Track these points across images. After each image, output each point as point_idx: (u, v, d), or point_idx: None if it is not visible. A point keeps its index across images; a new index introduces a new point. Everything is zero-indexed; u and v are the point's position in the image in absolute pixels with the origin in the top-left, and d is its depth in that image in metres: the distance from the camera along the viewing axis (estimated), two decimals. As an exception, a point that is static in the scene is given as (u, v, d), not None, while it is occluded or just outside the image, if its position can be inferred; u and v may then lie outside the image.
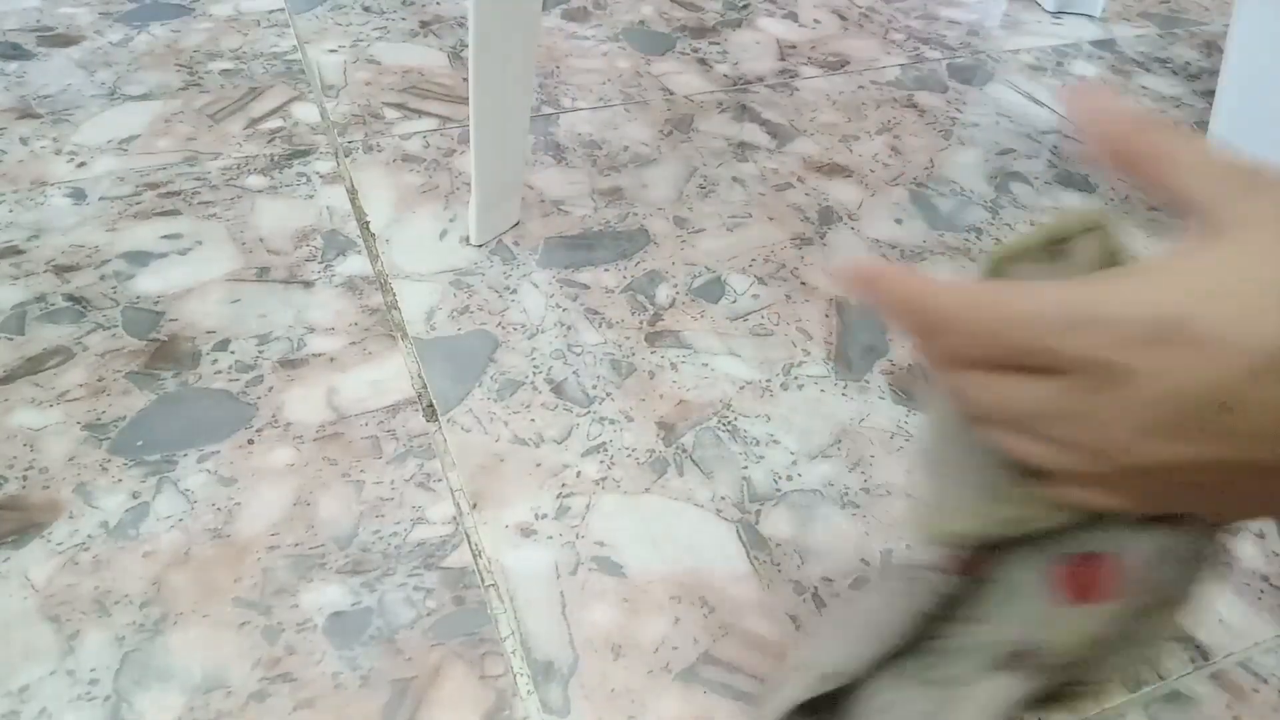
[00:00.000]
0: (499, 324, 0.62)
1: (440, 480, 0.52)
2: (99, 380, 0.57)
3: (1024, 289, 0.26)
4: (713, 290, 0.66)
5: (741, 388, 0.59)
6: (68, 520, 0.49)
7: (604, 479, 0.53)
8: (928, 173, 0.80)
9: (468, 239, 0.69)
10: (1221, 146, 0.27)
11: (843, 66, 0.95)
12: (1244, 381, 0.23)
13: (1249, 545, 0.52)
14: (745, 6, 1.06)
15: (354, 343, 0.60)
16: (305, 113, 0.83)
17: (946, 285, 0.28)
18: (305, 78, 0.88)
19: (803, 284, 0.67)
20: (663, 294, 0.66)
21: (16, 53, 0.90)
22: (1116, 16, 1.13)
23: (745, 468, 0.54)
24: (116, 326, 0.60)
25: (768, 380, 0.59)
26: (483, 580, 0.47)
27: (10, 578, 0.46)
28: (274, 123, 0.82)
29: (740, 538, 0.50)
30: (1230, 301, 0.23)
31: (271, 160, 0.77)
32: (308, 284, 0.65)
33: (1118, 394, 0.24)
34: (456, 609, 0.46)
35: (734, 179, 0.78)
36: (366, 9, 1.01)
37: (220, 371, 0.58)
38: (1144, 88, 0.98)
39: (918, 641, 0.35)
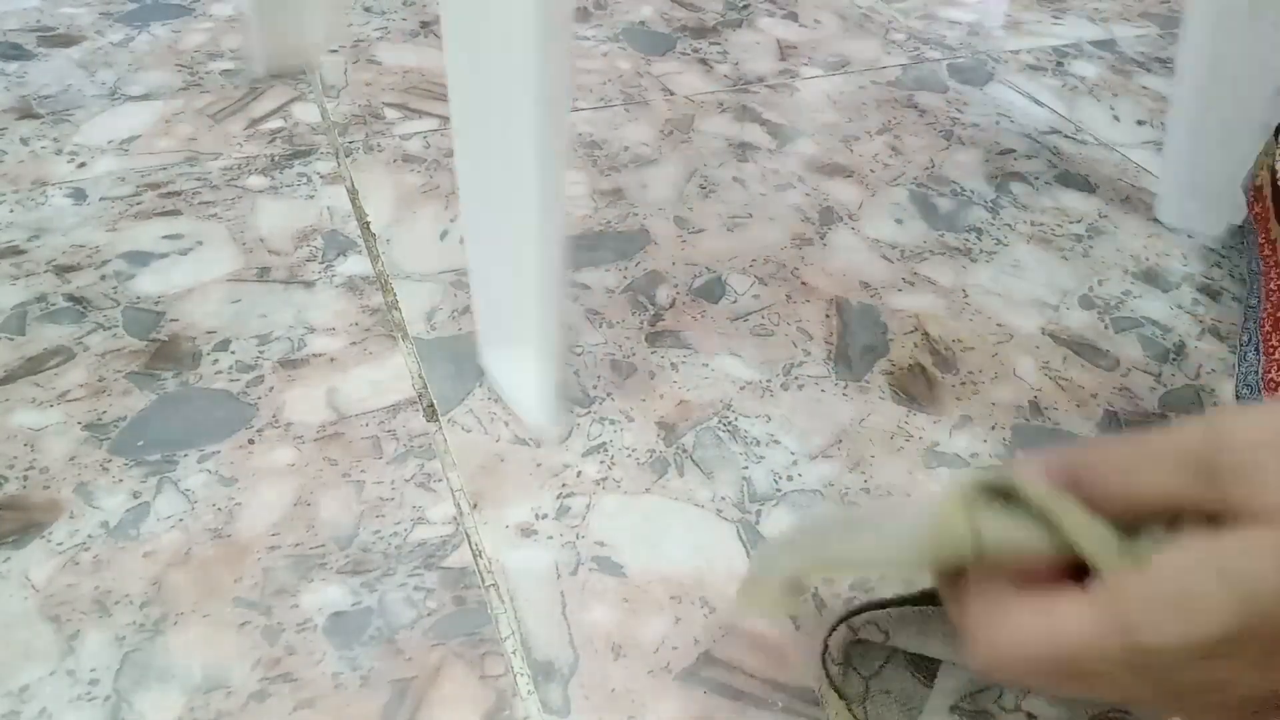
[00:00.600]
0: (499, 324, 0.62)
1: (440, 480, 0.52)
2: (99, 380, 0.57)
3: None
4: (713, 290, 0.66)
5: (742, 388, 0.59)
6: (68, 520, 0.49)
7: (604, 479, 0.53)
8: (928, 173, 0.80)
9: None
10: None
11: (843, 66, 0.95)
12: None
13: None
14: (745, 7, 1.06)
15: (354, 343, 0.60)
16: (306, 113, 0.83)
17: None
18: (306, 78, 0.88)
19: (803, 284, 0.67)
20: (663, 294, 0.66)
21: (17, 53, 0.90)
22: (1117, 16, 1.13)
23: (745, 468, 0.54)
24: (117, 326, 0.60)
25: (768, 380, 0.59)
26: (483, 580, 0.47)
27: (10, 578, 0.46)
28: (274, 123, 0.82)
29: (740, 538, 0.50)
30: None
31: (272, 160, 0.77)
32: (308, 284, 0.65)
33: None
34: (457, 609, 0.46)
35: (734, 179, 0.78)
36: (366, 9, 1.01)
37: (221, 371, 0.58)
38: (1144, 88, 0.98)
39: None
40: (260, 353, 0.59)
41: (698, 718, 0.42)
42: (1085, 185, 0.81)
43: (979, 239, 0.73)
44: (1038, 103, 0.93)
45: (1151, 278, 0.70)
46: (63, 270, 0.65)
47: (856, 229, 0.73)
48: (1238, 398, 0.59)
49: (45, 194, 0.72)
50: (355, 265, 0.67)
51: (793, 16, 1.04)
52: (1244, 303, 0.68)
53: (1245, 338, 0.63)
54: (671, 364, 0.60)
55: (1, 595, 0.45)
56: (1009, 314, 0.66)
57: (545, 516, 0.50)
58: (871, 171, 0.80)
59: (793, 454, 0.55)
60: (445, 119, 0.83)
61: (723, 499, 0.52)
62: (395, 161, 0.77)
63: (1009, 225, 0.75)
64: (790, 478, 0.53)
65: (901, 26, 1.04)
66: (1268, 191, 0.69)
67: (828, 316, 0.65)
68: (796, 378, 0.60)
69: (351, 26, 0.97)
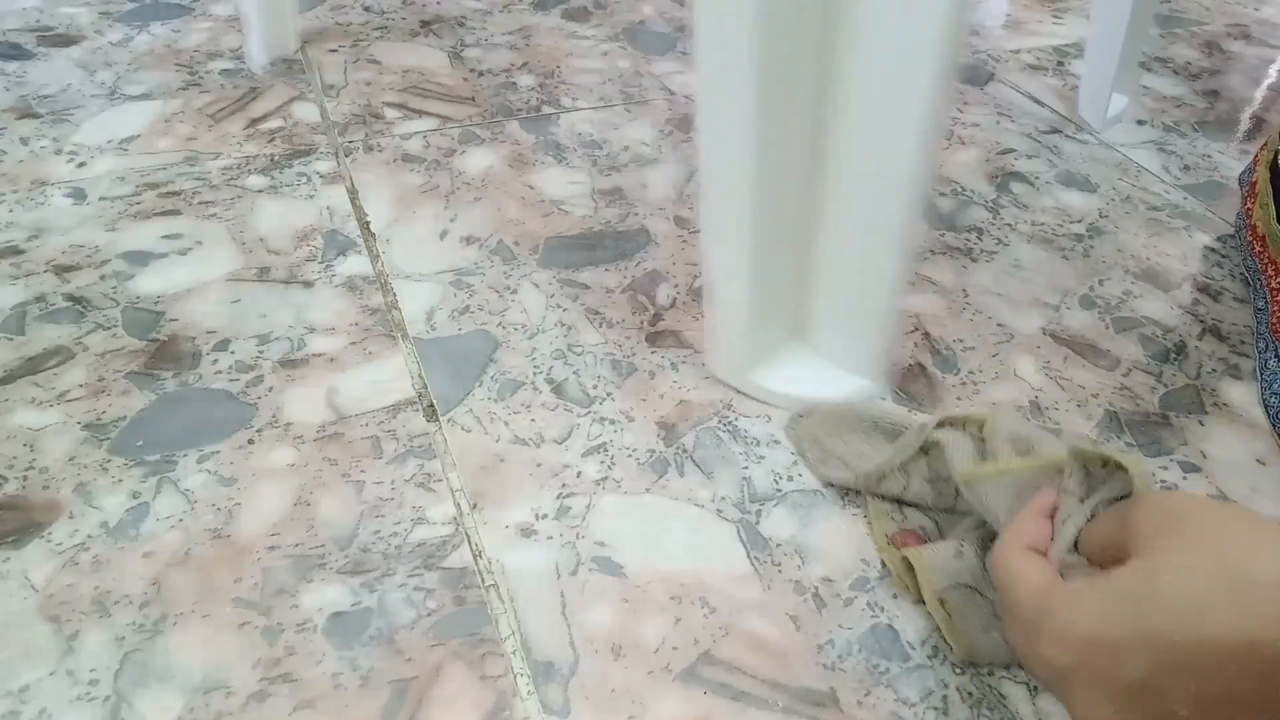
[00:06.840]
0: (499, 324, 0.62)
1: (440, 480, 0.52)
2: (99, 380, 0.57)
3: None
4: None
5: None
6: (68, 520, 0.49)
7: (604, 479, 0.53)
8: (928, 173, 0.80)
9: (468, 238, 0.69)
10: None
11: (843, 66, 0.95)
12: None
13: (1249, 545, 0.52)
14: (745, 6, 1.06)
15: (354, 343, 0.60)
16: (305, 113, 0.83)
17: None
18: (305, 77, 0.88)
19: (803, 284, 0.67)
20: (663, 294, 0.66)
21: (16, 53, 0.90)
22: (1117, 16, 1.13)
23: (745, 468, 0.54)
24: (116, 326, 0.60)
25: (768, 380, 0.59)
26: (483, 580, 0.47)
27: (10, 578, 0.46)
28: (274, 123, 0.82)
29: (740, 538, 0.50)
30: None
31: (272, 160, 0.77)
32: (308, 284, 0.65)
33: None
34: (457, 609, 0.46)
35: (734, 179, 0.78)
36: (366, 9, 1.01)
37: (220, 371, 0.58)
38: (1145, 87, 0.98)
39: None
40: (260, 353, 0.59)
41: (698, 718, 0.42)
42: (1085, 185, 0.81)
43: (979, 239, 0.73)
44: (1038, 102, 0.93)
45: (1152, 277, 0.70)
46: (63, 270, 0.65)
47: (856, 229, 0.73)
48: (1265, 406, 0.58)
49: (45, 194, 0.72)
50: (355, 265, 0.67)
51: (793, 16, 1.04)
52: (1251, 304, 0.67)
53: (1261, 345, 0.62)
54: (671, 364, 0.60)
55: (1, 595, 0.45)
56: (1009, 314, 0.66)
57: (545, 516, 0.50)
58: (871, 171, 0.79)
59: (793, 454, 0.55)
60: (445, 119, 0.83)
61: (723, 499, 0.52)
62: (395, 161, 0.77)
63: (1009, 225, 0.75)
64: (790, 478, 0.53)
65: (901, 26, 1.04)
66: (1261, 185, 0.69)
67: (828, 316, 0.65)
68: (796, 378, 0.60)
69: (351, 26, 0.97)
